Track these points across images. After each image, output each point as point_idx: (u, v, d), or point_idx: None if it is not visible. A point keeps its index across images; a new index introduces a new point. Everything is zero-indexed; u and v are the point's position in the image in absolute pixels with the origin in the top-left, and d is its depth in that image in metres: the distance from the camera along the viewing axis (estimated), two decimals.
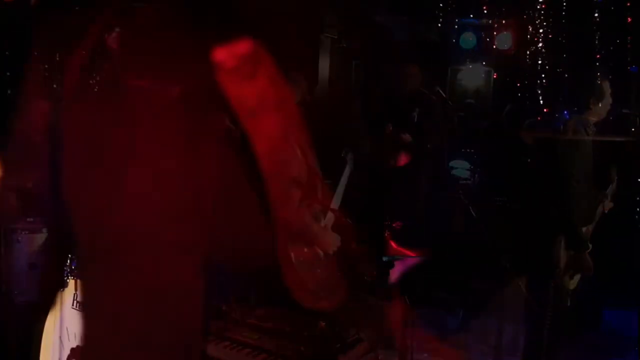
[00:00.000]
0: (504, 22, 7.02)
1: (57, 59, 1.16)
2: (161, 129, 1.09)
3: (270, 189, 1.04)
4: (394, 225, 3.11)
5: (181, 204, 1.10)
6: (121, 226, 1.13)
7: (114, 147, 1.12)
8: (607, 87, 3.65)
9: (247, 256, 1.14)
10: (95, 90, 1.12)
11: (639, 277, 4.22)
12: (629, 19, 5.99)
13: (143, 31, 1.12)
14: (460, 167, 6.29)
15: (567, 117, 3.81)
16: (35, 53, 1.23)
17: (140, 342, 1.16)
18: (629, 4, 6.03)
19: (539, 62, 6.64)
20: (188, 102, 1.07)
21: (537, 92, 6.55)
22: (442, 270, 4.26)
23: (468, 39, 7.26)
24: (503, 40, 7.04)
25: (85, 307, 1.25)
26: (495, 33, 7.10)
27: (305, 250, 1.07)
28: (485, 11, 7.11)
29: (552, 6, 6.59)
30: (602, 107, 3.65)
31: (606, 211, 3.88)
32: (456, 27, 7.32)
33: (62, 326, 2.83)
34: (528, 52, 6.73)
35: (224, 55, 1.02)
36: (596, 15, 6.22)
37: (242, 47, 1.03)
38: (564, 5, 6.52)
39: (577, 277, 3.74)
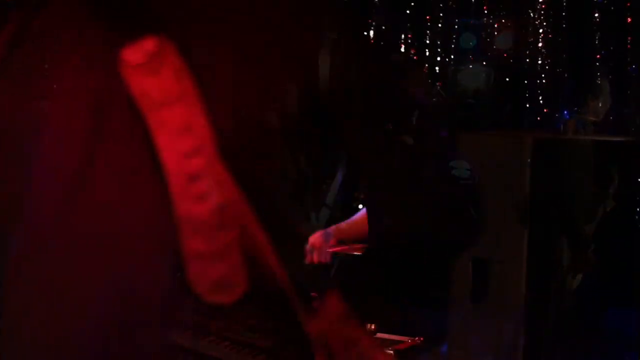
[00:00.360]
0: (504, 22, 7.02)
1: None
2: (68, 120, 1.08)
3: (170, 183, 1.02)
4: None
5: (87, 199, 1.08)
6: (29, 220, 1.11)
7: (21, 139, 1.11)
8: (606, 86, 3.66)
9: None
10: (9, 78, 1.12)
11: None
12: (629, 19, 6.00)
13: (60, 23, 1.10)
14: (460, 167, 6.28)
15: (567, 117, 3.83)
16: None
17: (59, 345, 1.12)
18: (629, 4, 6.03)
19: (539, 62, 6.65)
20: (97, 96, 1.06)
21: (537, 92, 6.56)
22: (442, 270, 4.25)
23: (468, 39, 7.26)
24: (503, 40, 7.04)
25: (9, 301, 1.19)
26: (495, 33, 7.09)
27: (206, 244, 1.06)
28: (485, 11, 7.11)
29: (552, 6, 6.59)
30: (601, 107, 3.66)
31: (608, 210, 3.88)
32: (456, 27, 7.32)
33: None
34: (528, 52, 6.73)
35: (132, 52, 1.01)
36: (596, 15, 6.23)
37: (150, 43, 1.02)
38: (564, 5, 6.52)
39: (579, 276, 3.75)
